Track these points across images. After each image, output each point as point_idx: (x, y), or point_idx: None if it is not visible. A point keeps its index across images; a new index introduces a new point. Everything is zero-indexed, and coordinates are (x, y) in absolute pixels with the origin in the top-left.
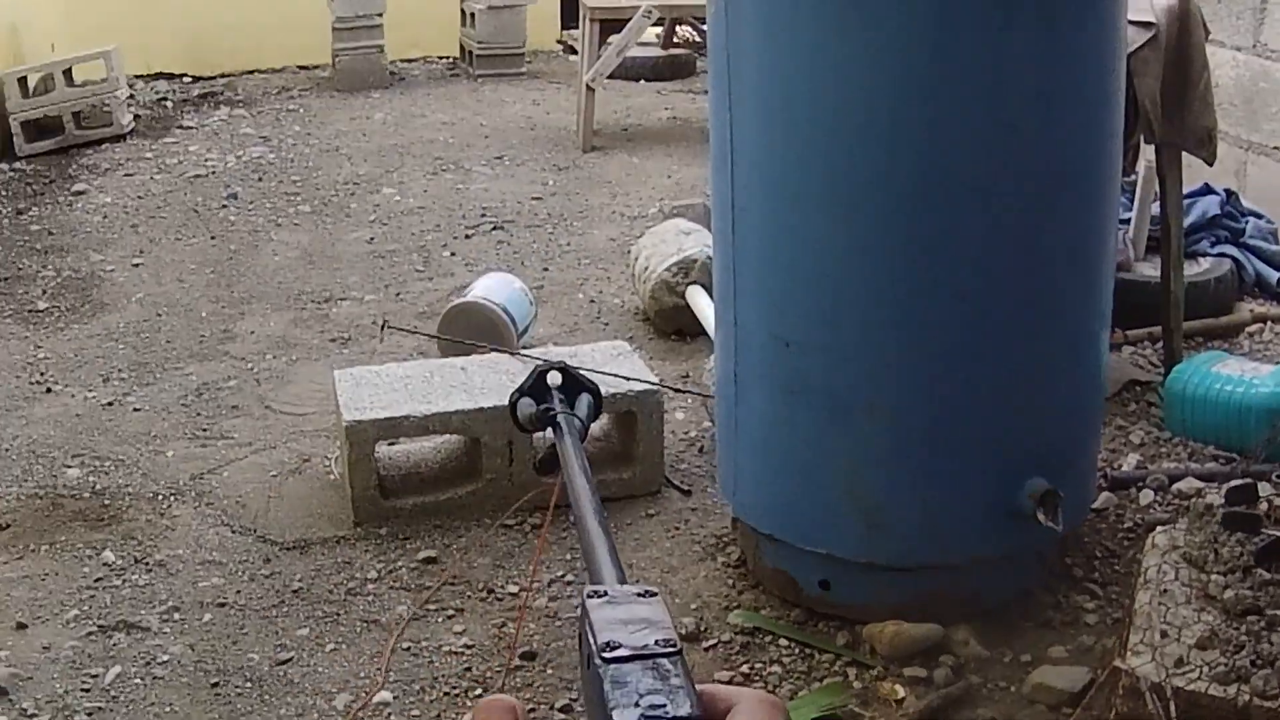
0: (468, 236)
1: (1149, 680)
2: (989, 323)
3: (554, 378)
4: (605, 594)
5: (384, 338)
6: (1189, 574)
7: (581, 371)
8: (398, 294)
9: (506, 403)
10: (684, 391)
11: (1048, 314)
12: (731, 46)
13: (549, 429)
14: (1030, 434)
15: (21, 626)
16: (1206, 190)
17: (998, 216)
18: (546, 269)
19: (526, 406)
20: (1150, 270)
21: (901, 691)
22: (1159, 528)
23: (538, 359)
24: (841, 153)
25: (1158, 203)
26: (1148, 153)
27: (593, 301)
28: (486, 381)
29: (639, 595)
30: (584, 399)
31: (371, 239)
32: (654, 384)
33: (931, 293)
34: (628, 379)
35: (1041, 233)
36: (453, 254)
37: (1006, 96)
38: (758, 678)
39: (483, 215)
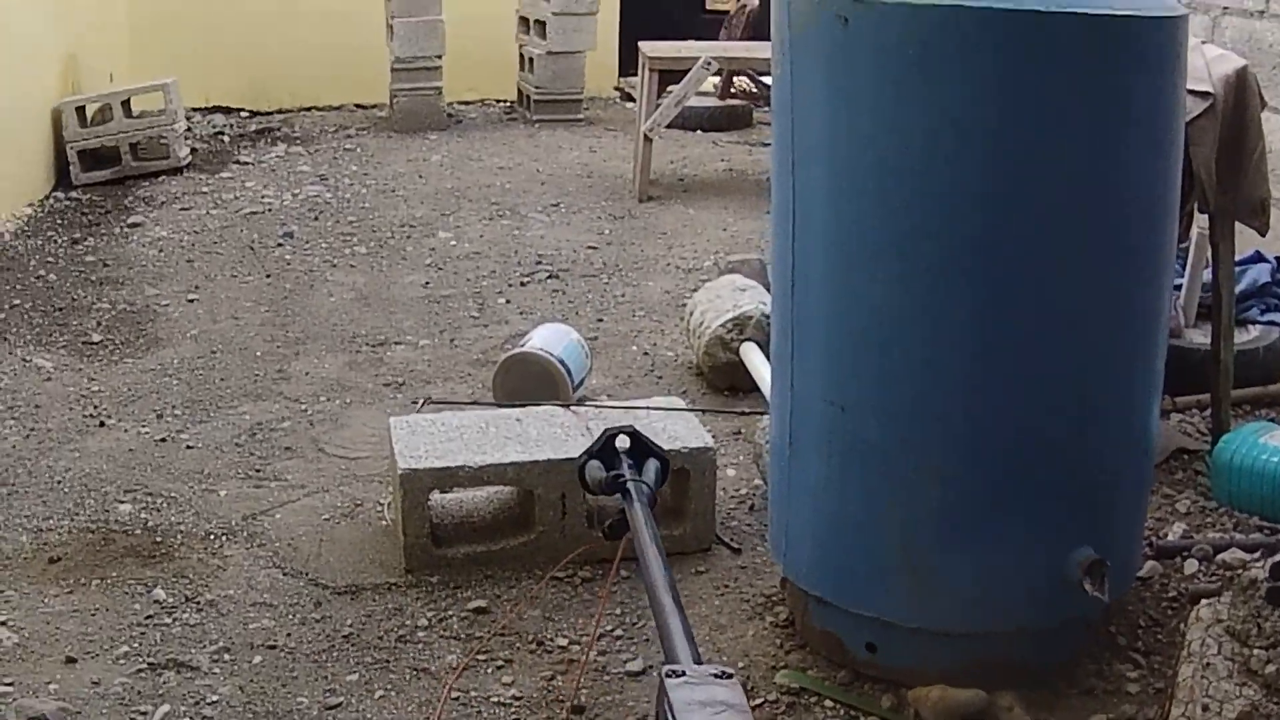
0: (523, 284)
1: None
2: (1044, 390)
3: (623, 442)
4: (683, 674)
5: (421, 408)
6: (1231, 648)
7: (649, 437)
8: (452, 340)
9: (562, 455)
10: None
11: (1101, 382)
12: (796, 109)
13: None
14: (1080, 502)
15: (71, 660)
16: (1258, 258)
17: (1055, 285)
18: (601, 320)
19: (596, 470)
20: (1200, 337)
21: None
22: (1203, 601)
23: (592, 408)
24: (903, 219)
25: (1209, 269)
26: (1201, 220)
27: (646, 354)
28: (541, 434)
29: (716, 676)
30: (651, 464)
31: (427, 283)
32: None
33: (988, 360)
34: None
35: (1098, 301)
36: (508, 301)
37: (1067, 166)
38: None
39: (538, 263)
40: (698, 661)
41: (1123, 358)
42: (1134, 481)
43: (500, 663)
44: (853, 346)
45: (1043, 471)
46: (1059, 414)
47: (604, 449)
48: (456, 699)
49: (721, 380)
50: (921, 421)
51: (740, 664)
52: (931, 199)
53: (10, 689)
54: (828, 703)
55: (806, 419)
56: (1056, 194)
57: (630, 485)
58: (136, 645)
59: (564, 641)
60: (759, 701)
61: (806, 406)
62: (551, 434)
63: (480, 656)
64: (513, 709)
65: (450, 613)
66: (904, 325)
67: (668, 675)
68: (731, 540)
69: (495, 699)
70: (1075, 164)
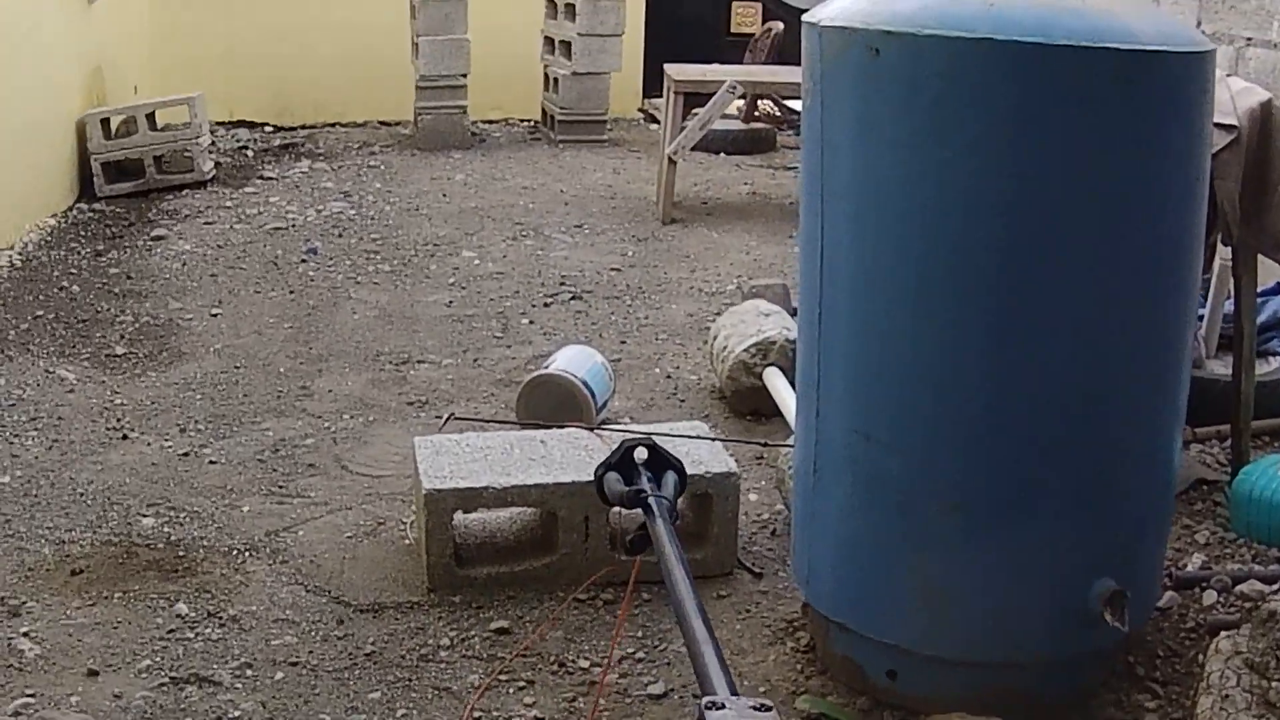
0: (546, 305)
1: None
2: (1067, 424)
3: (640, 454)
4: (723, 706)
5: (443, 429)
6: (1250, 680)
7: (666, 448)
8: (475, 360)
9: (586, 478)
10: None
11: (1124, 417)
12: (826, 140)
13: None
14: (1101, 535)
15: (93, 674)
16: (1279, 289)
17: (1079, 320)
18: (624, 342)
19: (614, 483)
20: (1221, 368)
21: None
22: (1223, 633)
23: (616, 430)
24: (930, 255)
25: (1230, 300)
26: (1223, 251)
27: (669, 377)
28: (565, 456)
29: (755, 709)
30: (669, 476)
31: (450, 302)
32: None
33: (1014, 395)
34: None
35: (1122, 338)
36: (531, 322)
37: (1093, 199)
38: None
39: (562, 284)
40: (734, 692)
41: (1146, 390)
42: (1155, 513)
43: (522, 683)
44: (877, 377)
45: (1063, 503)
46: (1080, 446)
47: (621, 461)
48: (478, 719)
49: (744, 404)
50: (943, 453)
51: (761, 689)
52: (957, 232)
53: (32, 700)
54: None
55: (831, 447)
56: (1082, 227)
57: (652, 500)
58: (159, 659)
59: (585, 663)
60: None
61: (831, 435)
62: (576, 456)
63: (502, 677)
64: None
65: (473, 633)
66: (929, 359)
67: (708, 707)
68: (753, 565)
69: None
70: (1102, 197)
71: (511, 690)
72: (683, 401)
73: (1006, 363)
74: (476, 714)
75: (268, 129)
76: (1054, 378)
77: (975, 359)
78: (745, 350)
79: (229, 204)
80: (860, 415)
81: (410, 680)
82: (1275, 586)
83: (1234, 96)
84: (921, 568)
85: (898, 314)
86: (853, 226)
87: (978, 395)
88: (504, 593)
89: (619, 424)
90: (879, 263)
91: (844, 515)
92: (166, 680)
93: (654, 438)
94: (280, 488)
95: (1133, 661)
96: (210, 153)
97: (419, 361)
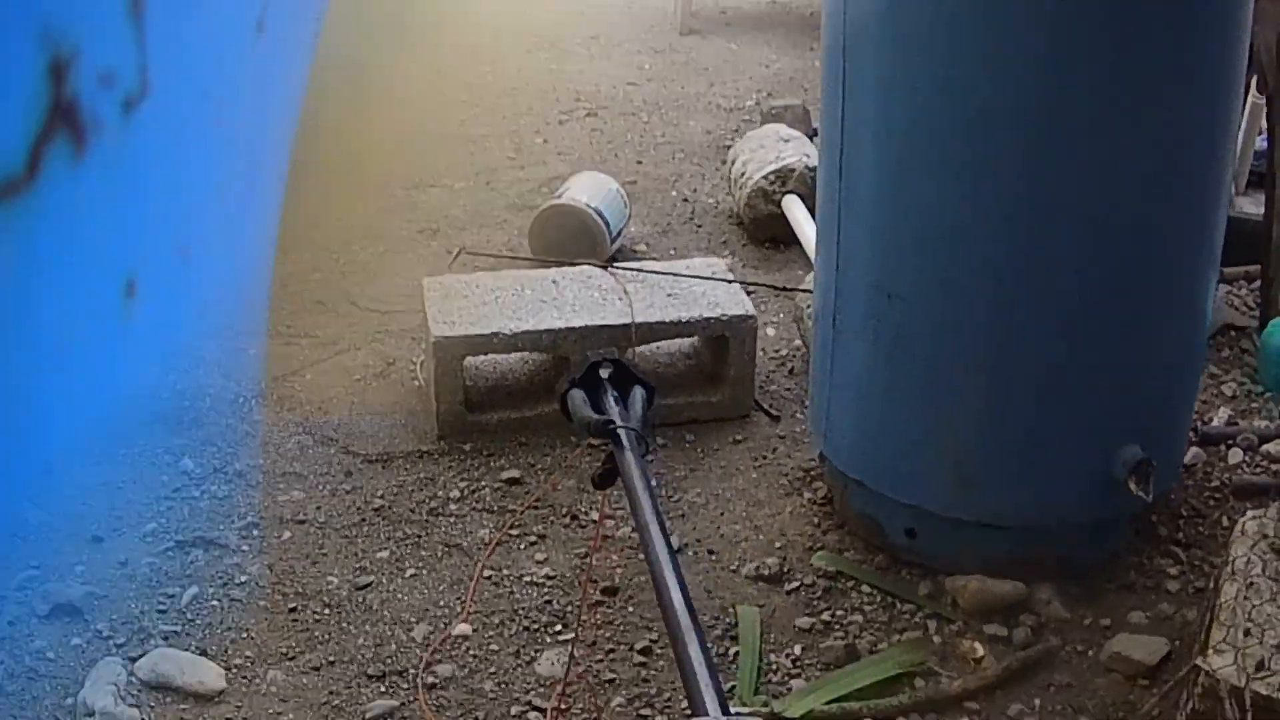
0: (561, 123)
1: (1228, 684)
2: (1097, 287)
3: (606, 370)
4: None
5: (453, 265)
6: (1276, 567)
7: (635, 366)
8: (488, 182)
9: (599, 321)
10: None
11: (1155, 271)
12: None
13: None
14: (1128, 400)
15: (98, 540)
16: None
17: (1113, 181)
18: (640, 162)
19: (581, 405)
20: (1251, 207)
21: (981, 650)
22: (1250, 512)
23: (629, 269)
24: (960, 111)
25: (1262, 137)
26: (1254, 92)
27: (686, 200)
28: (578, 297)
29: None
30: (637, 393)
31: (462, 121)
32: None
33: (1041, 255)
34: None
35: (1155, 187)
36: (545, 141)
37: (1124, 46)
38: (838, 625)
39: (577, 100)
40: (725, 711)
41: (1179, 244)
42: (1185, 381)
43: (533, 538)
44: (902, 233)
45: (1092, 371)
46: (1113, 313)
47: (587, 376)
48: (488, 578)
49: (762, 232)
50: (968, 315)
51: (778, 544)
52: (985, 79)
53: (37, 572)
54: (864, 588)
55: (852, 303)
56: (1114, 71)
57: (621, 433)
58: (164, 521)
59: (598, 515)
60: (795, 585)
61: (852, 289)
62: (589, 298)
63: (512, 532)
64: (545, 589)
65: (483, 483)
66: (955, 218)
67: None
68: (770, 406)
69: (527, 578)
70: (1136, 41)
71: (522, 546)
72: (699, 226)
73: (1032, 217)
74: (487, 572)
75: None
76: (1082, 231)
77: (1000, 214)
78: (764, 177)
79: None
80: (883, 271)
81: (419, 537)
82: None
83: None
84: (944, 429)
85: (921, 166)
86: (875, 82)
87: (1003, 251)
88: (515, 439)
89: (634, 255)
90: (903, 112)
91: (865, 373)
92: (172, 544)
93: (619, 356)
94: (288, 327)
95: (1155, 521)
96: None
97: (430, 185)
